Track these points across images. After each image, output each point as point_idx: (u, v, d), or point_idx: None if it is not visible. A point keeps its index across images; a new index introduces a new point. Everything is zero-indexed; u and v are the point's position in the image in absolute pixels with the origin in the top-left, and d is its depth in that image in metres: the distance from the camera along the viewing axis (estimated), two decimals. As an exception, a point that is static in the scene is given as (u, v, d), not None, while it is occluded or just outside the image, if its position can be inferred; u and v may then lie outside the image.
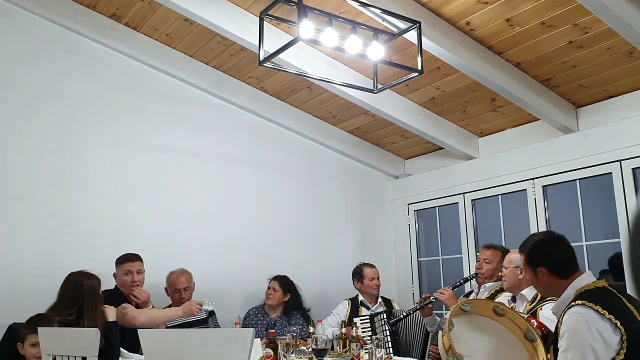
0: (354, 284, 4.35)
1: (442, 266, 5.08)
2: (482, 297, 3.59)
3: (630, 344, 1.99)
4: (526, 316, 2.61)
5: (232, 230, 4.51)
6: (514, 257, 3.25)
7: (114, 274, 3.55)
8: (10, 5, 3.81)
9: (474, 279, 3.85)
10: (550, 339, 2.35)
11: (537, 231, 4.15)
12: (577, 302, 2.11)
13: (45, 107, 3.88)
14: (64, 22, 3.93)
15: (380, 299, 4.33)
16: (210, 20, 3.54)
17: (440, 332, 2.37)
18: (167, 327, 3.75)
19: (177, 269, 3.95)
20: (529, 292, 3.15)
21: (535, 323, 2.49)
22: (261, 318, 4.11)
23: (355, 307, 4.23)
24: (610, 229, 3.81)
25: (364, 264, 4.37)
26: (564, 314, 2.14)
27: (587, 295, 2.13)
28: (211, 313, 4.04)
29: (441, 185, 5.02)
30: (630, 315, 2.07)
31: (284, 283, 4.15)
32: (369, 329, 3.89)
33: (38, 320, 2.78)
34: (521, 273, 3.22)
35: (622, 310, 2.07)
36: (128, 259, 3.56)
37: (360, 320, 3.92)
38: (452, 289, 3.69)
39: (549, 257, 2.33)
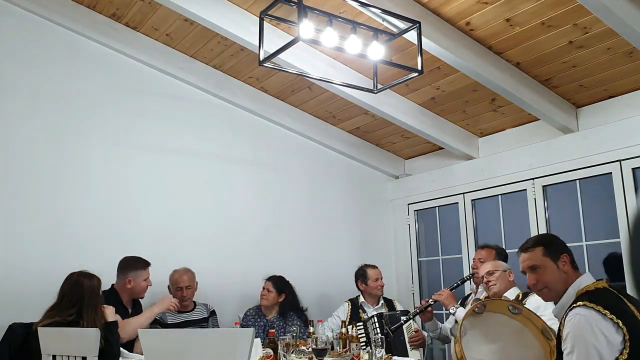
0: (357, 285, 4.30)
1: (442, 266, 5.08)
2: (481, 297, 3.60)
3: (633, 344, 1.99)
4: None
5: (231, 230, 4.50)
6: (499, 262, 3.36)
7: (128, 280, 3.52)
8: (10, 5, 3.81)
9: (471, 280, 3.86)
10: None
11: (537, 231, 4.16)
12: (578, 303, 2.11)
13: (46, 107, 3.87)
14: (64, 22, 3.92)
15: (382, 300, 4.32)
16: (210, 20, 3.54)
17: (452, 339, 2.37)
18: (167, 327, 3.77)
19: (181, 267, 3.96)
20: (512, 293, 3.24)
21: None
22: (258, 320, 4.10)
23: (355, 308, 4.21)
24: (610, 229, 3.81)
25: (367, 265, 4.31)
26: (565, 316, 2.14)
27: (588, 296, 2.14)
28: (212, 313, 4.05)
29: (441, 185, 5.02)
30: (632, 315, 2.07)
31: (278, 283, 4.12)
32: (364, 334, 3.88)
33: None
34: (510, 275, 3.28)
35: (623, 310, 2.07)
36: (147, 264, 3.60)
37: (357, 326, 3.91)
38: (450, 290, 3.70)
39: (566, 246, 2.37)
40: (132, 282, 3.53)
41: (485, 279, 3.36)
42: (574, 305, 2.12)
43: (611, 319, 2.02)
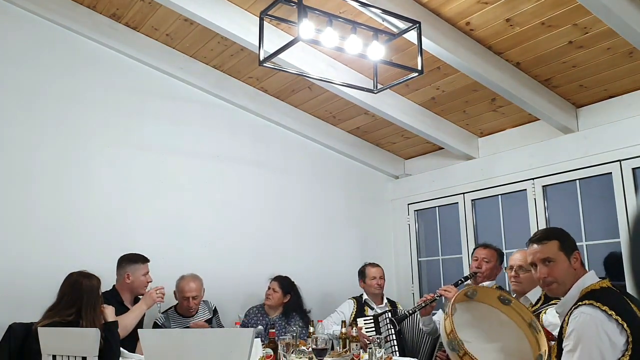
0: (359, 283, 4.36)
1: (442, 266, 5.08)
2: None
3: (635, 346, 1.99)
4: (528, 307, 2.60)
5: (232, 230, 4.50)
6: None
7: (127, 274, 3.51)
8: (10, 5, 3.81)
9: (473, 279, 3.86)
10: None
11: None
12: (584, 302, 2.10)
13: (45, 107, 3.87)
14: (64, 22, 3.93)
15: (385, 300, 4.34)
16: (210, 20, 3.54)
17: (442, 315, 2.37)
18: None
19: (189, 274, 3.88)
20: (534, 294, 3.13)
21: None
22: (261, 318, 4.11)
23: (360, 306, 4.24)
24: (610, 229, 3.81)
25: (368, 264, 4.37)
26: (570, 314, 2.13)
27: (593, 295, 2.13)
28: (214, 311, 4.04)
29: (441, 185, 5.02)
30: (635, 317, 2.07)
31: (284, 284, 4.13)
32: (373, 329, 3.89)
33: None
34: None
35: (627, 311, 2.07)
36: (147, 260, 3.57)
37: (364, 320, 3.93)
38: (456, 287, 3.69)
39: (575, 244, 2.35)
40: (130, 276, 3.50)
41: (514, 273, 3.18)
42: (580, 303, 2.11)
43: (616, 320, 2.01)
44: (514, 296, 3.12)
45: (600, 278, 2.27)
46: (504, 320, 2.47)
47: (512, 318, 2.47)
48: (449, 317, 2.28)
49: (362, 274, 4.35)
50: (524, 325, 2.43)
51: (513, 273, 3.20)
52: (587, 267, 3.82)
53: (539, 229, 4.10)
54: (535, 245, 2.34)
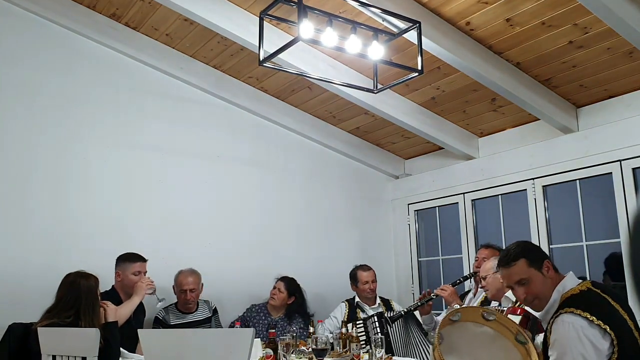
0: (351, 287, 4.33)
1: (442, 266, 5.08)
2: (480, 297, 3.60)
3: (620, 346, 1.98)
4: (509, 306, 2.61)
5: (231, 230, 4.50)
6: (491, 264, 3.21)
7: (117, 273, 3.51)
8: (10, 5, 3.81)
9: (472, 278, 3.86)
10: (530, 322, 2.35)
11: (537, 231, 4.16)
12: (565, 309, 2.09)
13: (45, 107, 3.87)
14: (64, 22, 3.92)
15: (378, 300, 4.32)
16: (210, 20, 3.54)
17: (430, 346, 2.37)
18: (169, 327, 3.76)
19: (187, 268, 3.91)
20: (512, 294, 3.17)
21: (519, 311, 2.49)
22: (263, 317, 4.10)
23: (352, 308, 4.22)
24: (610, 229, 3.81)
25: (359, 267, 4.32)
26: (552, 322, 2.12)
27: (573, 302, 2.11)
28: (214, 312, 4.05)
29: (441, 185, 5.02)
30: (617, 316, 2.06)
31: (291, 285, 4.13)
32: (364, 332, 3.87)
33: None
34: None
35: (609, 312, 2.06)
36: (139, 259, 3.53)
37: (357, 324, 3.91)
38: (453, 286, 3.69)
39: (543, 251, 2.37)
40: (120, 274, 3.49)
41: (481, 282, 3.33)
42: (560, 311, 2.10)
43: (598, 325, 2.00)
44: (496, 305, 3.15)
45: (580, 279, 2.25)
46: (492, 337, 2.46)
47: (500, 332, 2.47)
48: (437, 348, 2.27)
49: (353, 278, 4.30)
50: (511, 338, 2.44)
51: (481, 285, 3.31)
52: (587, 267, 3.87)
53: (539, 229, 4.13)
54: (505, 270, 2.32)
